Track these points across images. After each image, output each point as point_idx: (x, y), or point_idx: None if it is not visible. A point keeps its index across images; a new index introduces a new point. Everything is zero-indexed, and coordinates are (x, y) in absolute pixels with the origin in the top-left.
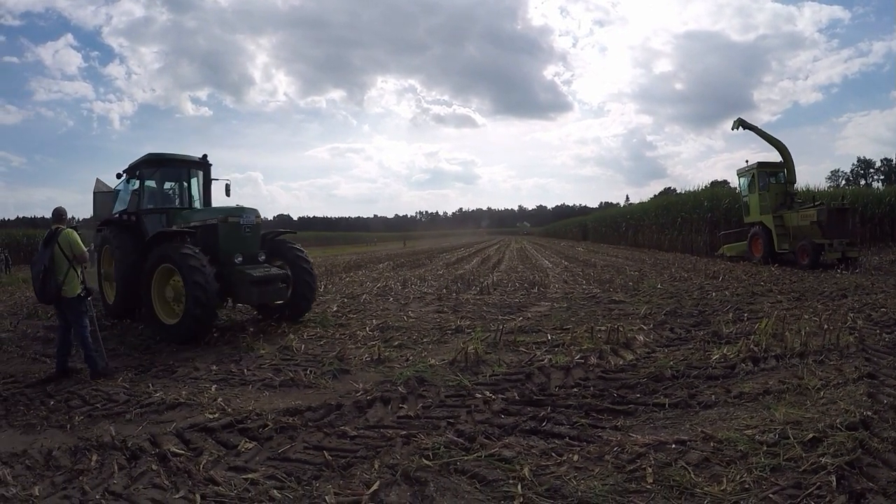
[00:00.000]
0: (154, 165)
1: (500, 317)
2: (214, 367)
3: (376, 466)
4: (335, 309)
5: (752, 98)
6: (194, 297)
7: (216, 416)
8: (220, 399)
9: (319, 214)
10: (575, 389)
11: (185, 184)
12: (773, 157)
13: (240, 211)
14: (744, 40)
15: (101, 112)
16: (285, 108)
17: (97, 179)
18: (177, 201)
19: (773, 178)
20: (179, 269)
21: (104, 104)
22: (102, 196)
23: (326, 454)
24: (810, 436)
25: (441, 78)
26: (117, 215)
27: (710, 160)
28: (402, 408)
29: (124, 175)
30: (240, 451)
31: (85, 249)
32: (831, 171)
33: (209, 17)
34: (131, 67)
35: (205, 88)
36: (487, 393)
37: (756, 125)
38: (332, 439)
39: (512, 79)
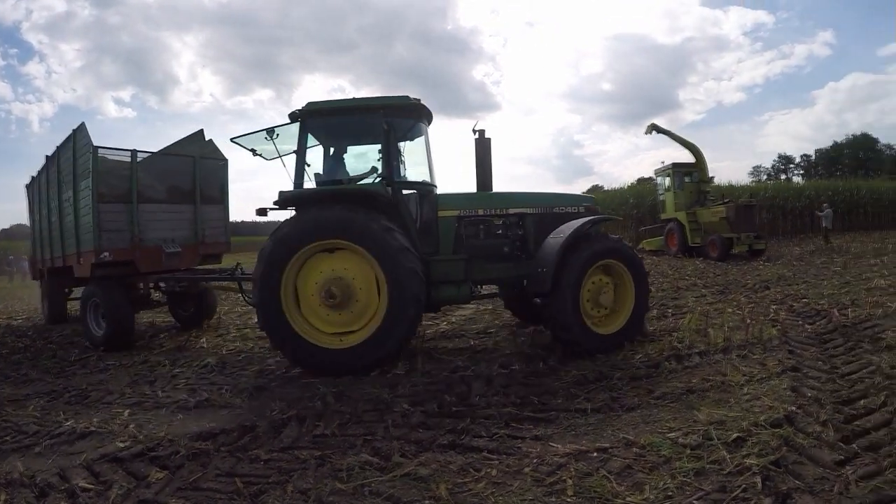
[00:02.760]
0: (412, 115)
1: (422, 322)
2: (128, 390)
3: (288, 492)
4: (254, 321)
5: (677, 98)
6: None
7: (127, 444)
8: (132, 425)
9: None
10: (496, 398)
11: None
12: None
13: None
14: (671, 42)
15: (20, 114)
16: (210, 109)
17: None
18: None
19: (688, 177)
20: (635, 267)
21: (23, 105)
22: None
23: (238, 481)
24: (734, 436)
25: (370, 77)
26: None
27: (636, 158)
28: (318, 426)
29: (299, 118)
30: (150, 482)
31: None
32: (753, 167)
33: (133, 13)
34: (51, 66)
35: (128, 88)
36: (405, 406)
37: (669, 129)
38: (245, 465)
39: (441, 79)
